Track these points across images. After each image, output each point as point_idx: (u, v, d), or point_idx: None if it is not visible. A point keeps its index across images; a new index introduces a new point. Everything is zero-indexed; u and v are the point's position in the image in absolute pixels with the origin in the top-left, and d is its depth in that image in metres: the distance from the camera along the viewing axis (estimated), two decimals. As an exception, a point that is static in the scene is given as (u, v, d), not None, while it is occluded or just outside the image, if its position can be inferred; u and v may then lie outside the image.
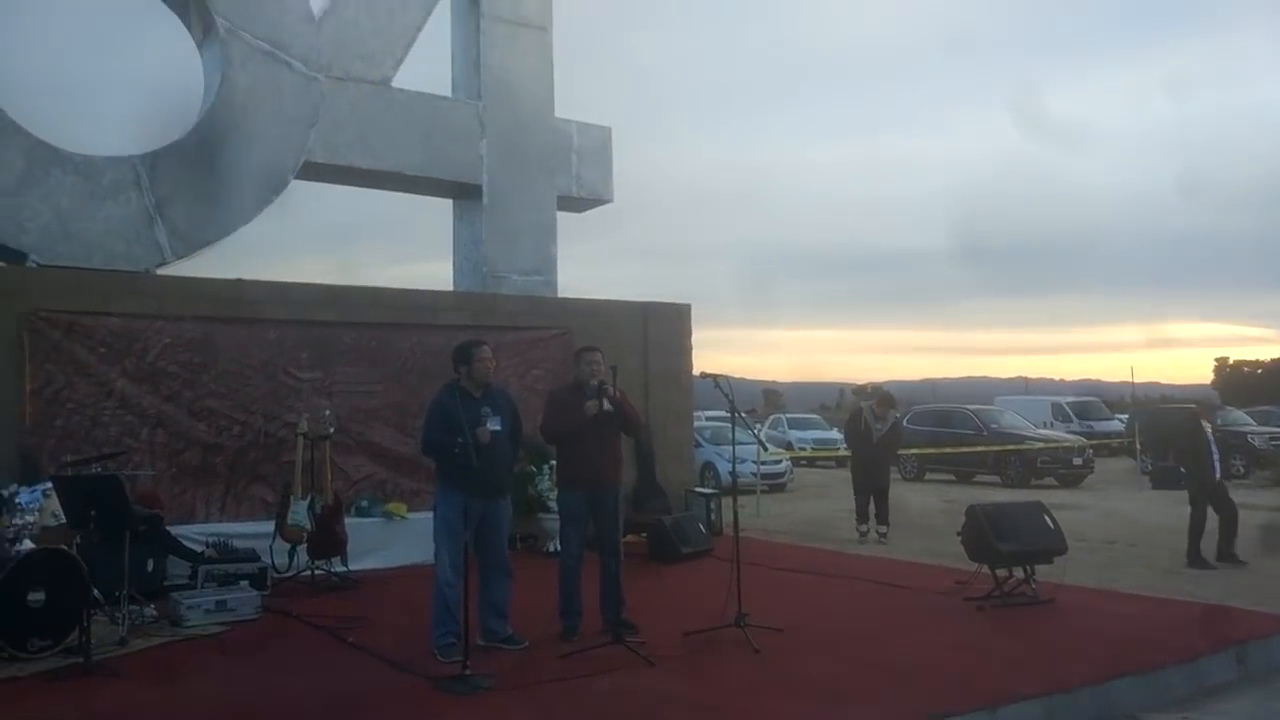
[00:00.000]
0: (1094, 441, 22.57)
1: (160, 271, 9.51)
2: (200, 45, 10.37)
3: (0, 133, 8.79)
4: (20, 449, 8.20)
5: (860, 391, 13.53)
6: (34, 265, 8.91)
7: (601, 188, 12.34)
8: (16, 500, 7.10)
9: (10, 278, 8.78)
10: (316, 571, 8.38)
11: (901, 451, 21.96)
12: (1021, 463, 19.73)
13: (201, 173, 9.61)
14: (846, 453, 25.74)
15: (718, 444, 17.98)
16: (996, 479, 19.95)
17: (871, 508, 11.49)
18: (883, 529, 11.36)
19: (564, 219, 12.07)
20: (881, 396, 12.52)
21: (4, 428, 8.23)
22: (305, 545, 8.41)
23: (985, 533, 7.48)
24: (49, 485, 6.98)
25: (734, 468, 8.37)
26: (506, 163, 11.42)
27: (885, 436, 11.81)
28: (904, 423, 23.91)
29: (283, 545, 8.39)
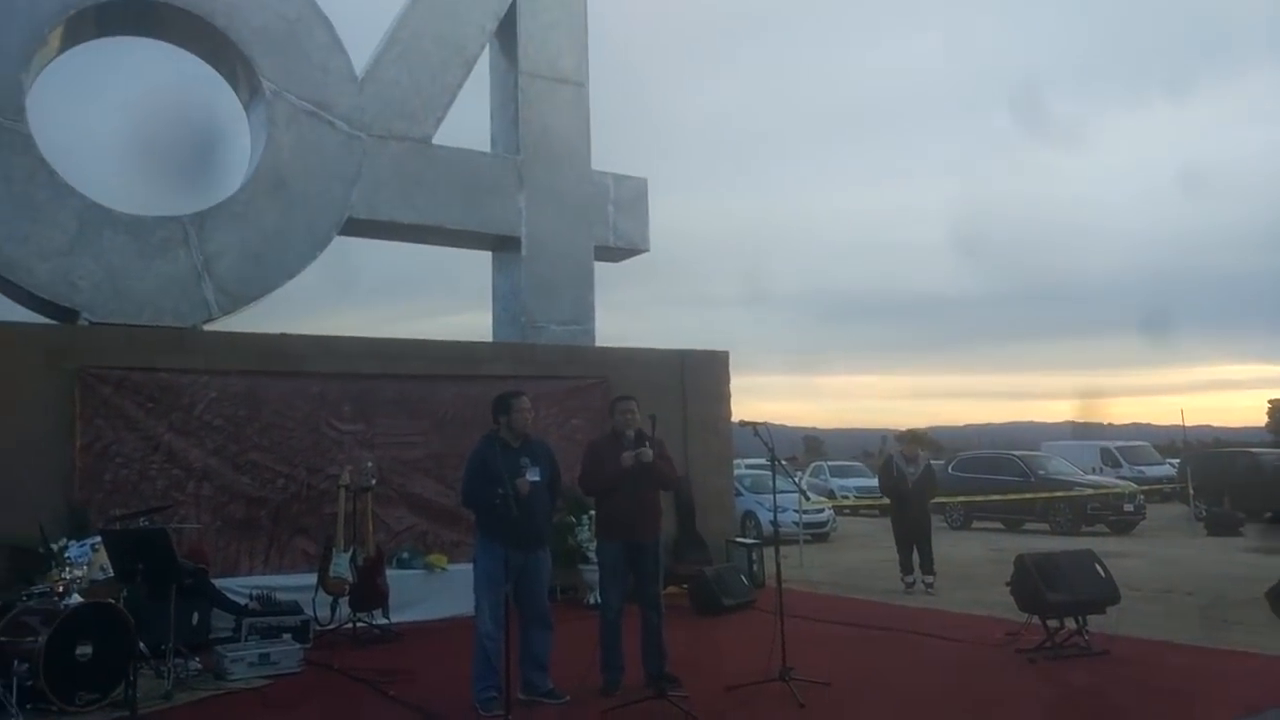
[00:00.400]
0: (1145, 487, 22.09)
1: (207, 327, 9.68)
2: (247, 107, 10.64)
3: (54, 195, 9.05)
4: (70, 503, 8.35)
5: (903, 438, 13.08)
6: (85, 322, 9.12)
7: (638, 237, 12.43)
8: (66, 554, 7.23)
9: (62, 335, 8.99)
10: (358, 624, 8.40)
11: (946, 500, 21.74)
12: (1071, 510, 19.36)
13: (248, 230, 9.82)
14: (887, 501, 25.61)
15: (758, 493, 17.82)
16: (1045, 527, 19.59)
17: (915, 557, 11.29)
18: (929, 579, 11.11)
19: (601, 268, 12.16)
20: (907, 437, 12.20)
21: (55, 482, 8.39)
22: (347, 597, 8.44)
23: (1035, 583, 7.34)
24: (98, 539, 7.09)
25: (775, 517, 8.29)
26: (544, 215, 11.55)
27: (920, 480, 11.46)
28: (947, 468, 23.85)
29: (325, 598, 8.43)
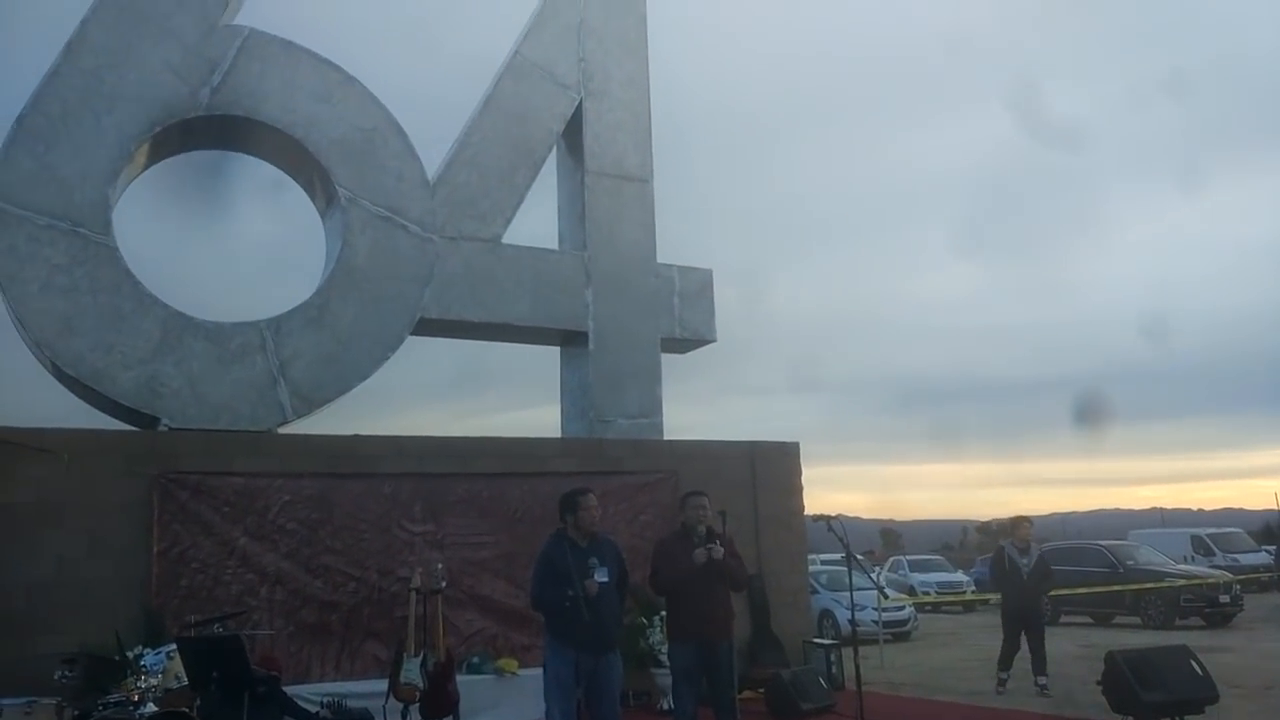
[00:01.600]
0: (1241, 576, 21.14)
1: (281, 430, 9.84)
2: (323, 213, 10.98)
3: (138, 305, 9.36)
4: (146, 610, 8.43)
5: (1013, 524, 12.26)
6: (165, 428, 9.32)
7: (704, 328, 12.44)
8: (142, 663, 7.26)
9: (142, 441, 9.20)
10: (429, 731, 8.25)
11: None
12: (1163, 602, 18.55)
13: (323, 335, 10.03)
14: (978, 597, 24.81)
15: (835, 590, 17.38)
16: (1136, 620, 18.78)
17: (1018, 652, 10.59)
18: (1043, 680, 10.36)
19: (668, 360, 12.17)
20: (1018, 523, 11.35)
21: (132, 588, 8.51)
22: (418, 704, 8.32)
23: (1128, 681, 7.03)
24: (173, 647, 7.11)
25: (853, 615, 8.06)
26: (611, 309, 11.64)
27: (1034, 571, 10.79)
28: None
29: (396, 704, 8.31)
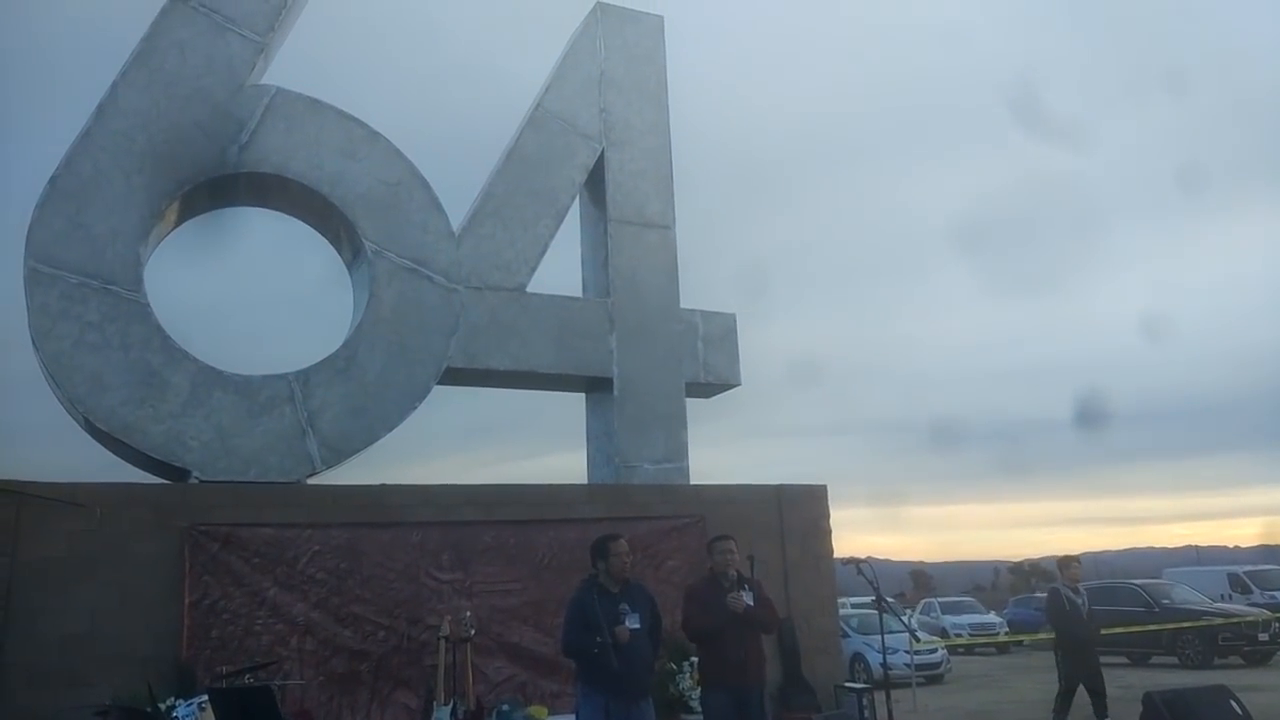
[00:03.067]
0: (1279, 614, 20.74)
1: (310, 481, 9.91)
2: (349, 266, 11.13)
3: (168, 360, 9.49)
4: (177, 661, 8.47)
5: (1063, 564, 11.38)
6: (195, 481, 9.41)
7: (729, 372, 12.47)
8: (174, 715, 7.28)
9: (173, 494, 9.28)
10: (460, 781, 8.21)
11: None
12: (1200, 641, 18.18)
13: (350, 386, 10.13)
14: (1012, 638, 24.40)
15: (866, 633, 17.20)
16: (1173, 660, 18.42)
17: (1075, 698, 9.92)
18: None
19: (693, 405, 12.19)
20: (1067, 564, 10.72)
21: (164, 640, 8.55)
22: (449, 752, 8.29)
23: (1167, 724, 6.88)
24: (205, 698, 7.14)
25: (885, 659, 7.98)
26: (635, 355, 11.69)
27: (1093, 611, 10.31)
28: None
29: (426, 753, 8.29)
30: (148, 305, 9.55)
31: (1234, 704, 7.17)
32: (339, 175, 10.54)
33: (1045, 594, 12.22)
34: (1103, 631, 18.87)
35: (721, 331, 12.50)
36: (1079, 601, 10.22)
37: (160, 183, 9.80)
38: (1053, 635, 10.67)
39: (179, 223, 10.45)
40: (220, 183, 10.20)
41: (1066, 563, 10.73)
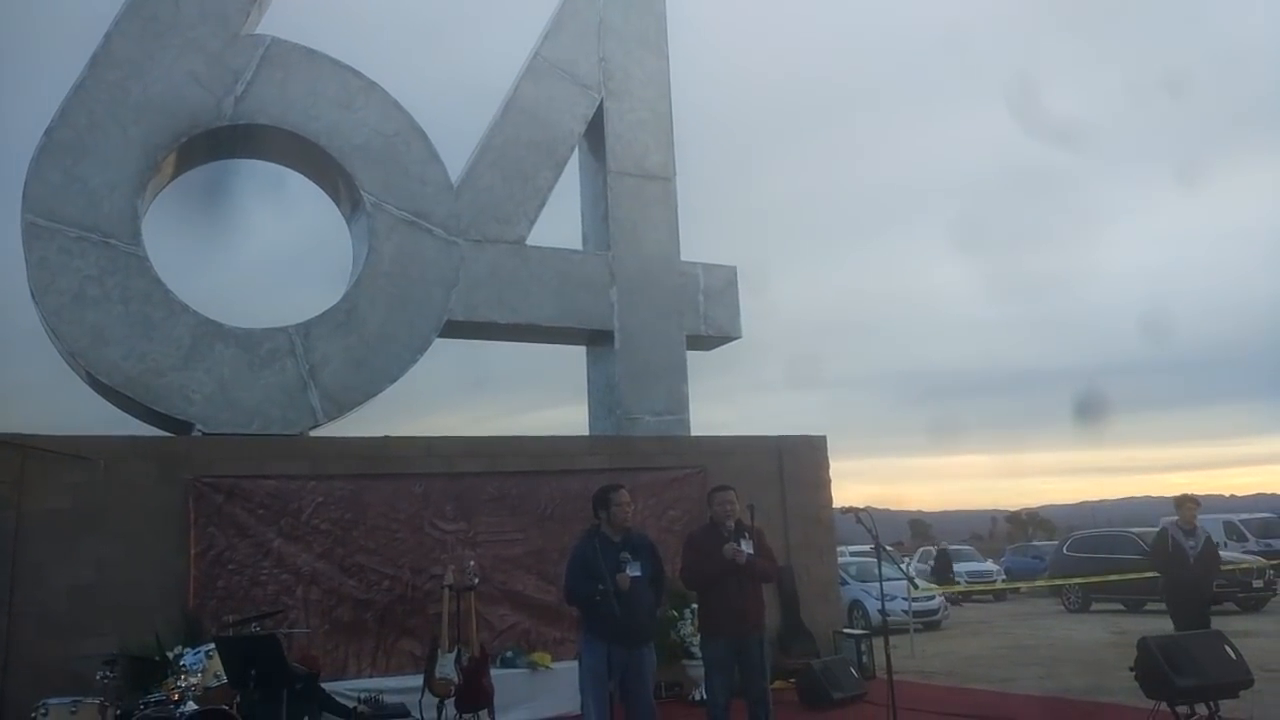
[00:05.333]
0: (1275, 561, 20.94)
1: (312, 433, 9.95)
2: (348, 218, 11.09)
3: (169, 313, 9.49)
4: (184, 611, 8.57)
5: (1180, 503, 9.77)
6: (198, 433, 9.46)
7: (729, 325, 12.47)
8: (181, 662, 7.38)
9: (177, 447, 9.33)
10: (465, 726, 8.34)
11: (1063, 581, 20.89)
12: (1196, 588, 18.36)
13: (351, 338, 10.14)
14: (1009, 585, 24.62)
15: (864, 581, 17.39)
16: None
17: None
18: None
19: (694, 357, 12.21)
20: (1182, 504, 9.97)
21: (170, 590, 8.64)
22: (453, 698, 8.41)
23: (1160, 667, 6.98)
24: (212, 647, 7.23)
25: (883, 606, 8.08)
26: (636, 308, 11.69)
27: (1203, 556, 9.66)
28: (1062, 549, 22.97)
29: (431, 699, 8.41)
30: (146, 258, 9.51)
31: (1228, 649, 7.24)
32: (336, 126, 10.46)
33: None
34: (1099, 579, 19.23)
35: (722, 284, 12.48)
36: (1188, 545, 9.69)
37: (156, 135, 9.72)
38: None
39: (176, 175, 10.39)
40: (216, 134, 10.12)
41: (1181, 503, 10.03)
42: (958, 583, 25.01)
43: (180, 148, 9.90)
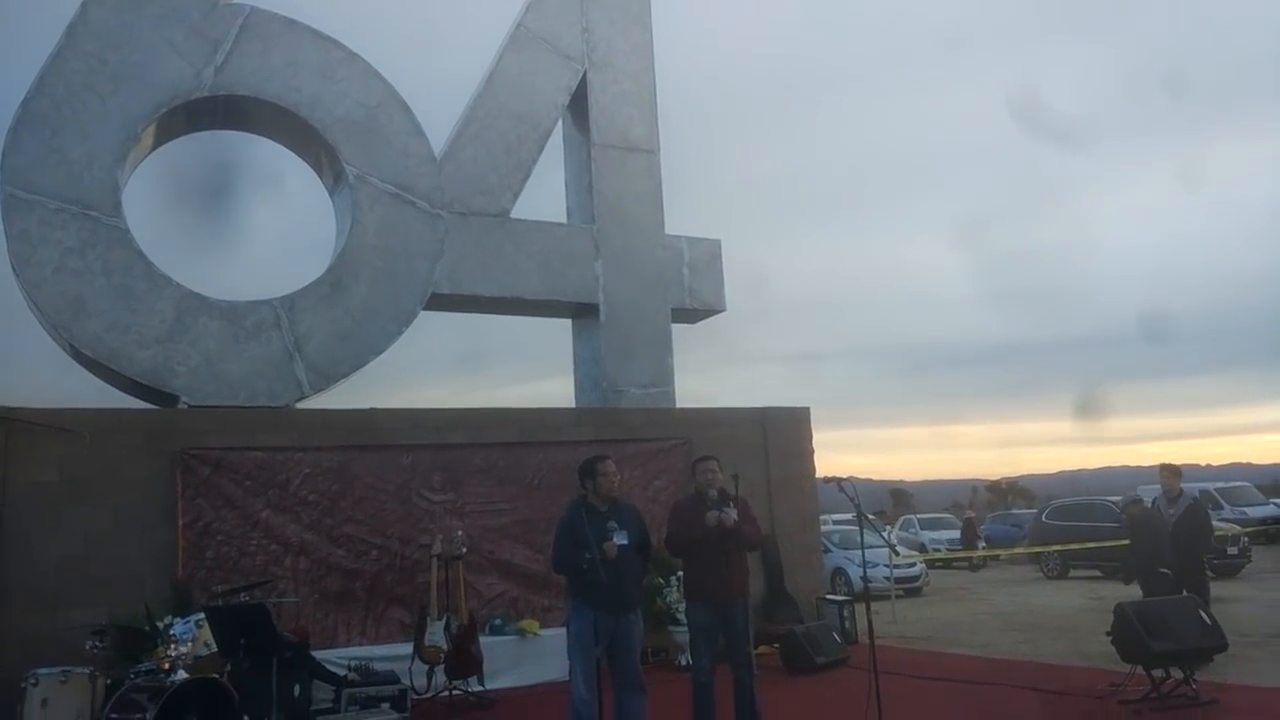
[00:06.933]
0: (1249, 529, 21.27)
1: (299, 405, 9.97)
2: (332, 191, 11.05)
3: (152, 286, 9.47)
4: (173, 581, 8.61)
5: (1164, 471, 10.04)
6: (184, 406, 9.46)
7: (714, 298, 12.52)
8: (171, 632, 7.44)
9: (164, 419, 9.35)
10: (454, 692, 8.46)
11: (1041, 549, 21.14)
12: (1172, 555, 18.63)
13: (336, 311, 10.14)
14: (988, 553, 24.99)
15: (847, 548, 17.59)
16: (1146, 573, 18.88)
17: None
18: None
19: (679, 330, 12.26)
20: (1167, 471, 9.99)
21: (160, 561, 8.67)
22: (443, 666, 8.52)
23: (1137, 632, 7.12)
24: (201, 616, 7.29)
25: (865, 572, 8.20)
26: (621, 281, 11.72)
27: (1182, 521, 9.38)
28: (1041, 517, 23.22)
29: (421, 666, 8.51)
30: (128, 230, 9.47)
31: (1203, 614, 7.39)
32: (317, 98, 10.41)
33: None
34: (1077, 546, 19.46)
35: (707, 257, 12.52)
36: (1168, 514, 9.62)
37: (135, 105, 9.65)
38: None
39: (156, 146, 10.34)
40: (196, 105, 10.06)
41: (1161, 470, 10.12)
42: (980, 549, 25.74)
43: (160, 119, 9.84)
